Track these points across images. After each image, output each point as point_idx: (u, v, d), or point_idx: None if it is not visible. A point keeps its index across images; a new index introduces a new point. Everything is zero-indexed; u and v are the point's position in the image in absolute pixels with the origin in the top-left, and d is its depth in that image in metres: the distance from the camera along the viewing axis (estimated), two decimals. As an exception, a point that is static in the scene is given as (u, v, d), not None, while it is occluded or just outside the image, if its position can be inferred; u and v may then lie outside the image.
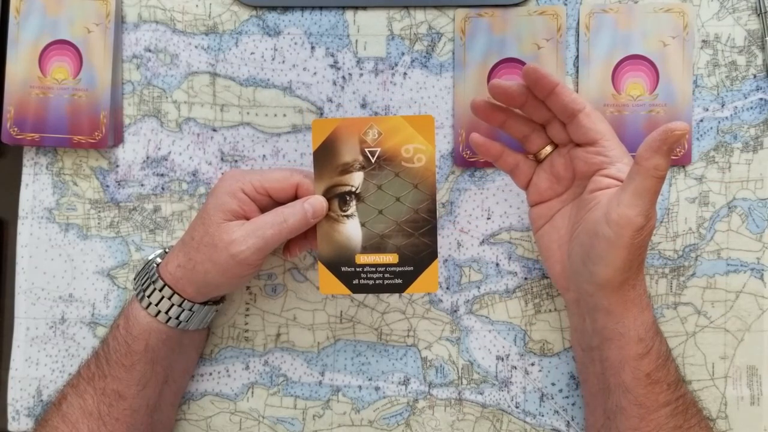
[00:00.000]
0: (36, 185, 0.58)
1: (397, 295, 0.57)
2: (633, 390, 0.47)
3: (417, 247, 0.49)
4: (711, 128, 0.56)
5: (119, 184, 0.57)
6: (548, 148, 0.51)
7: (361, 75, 0.57)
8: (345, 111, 0.57)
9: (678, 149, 0.55)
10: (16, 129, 0.56)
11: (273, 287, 0.57)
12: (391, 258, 0.49)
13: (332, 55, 0.57)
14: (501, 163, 0.52)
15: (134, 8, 0.57)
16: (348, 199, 0.49)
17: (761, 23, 0.56)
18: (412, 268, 0.49)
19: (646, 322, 0.47)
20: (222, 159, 0.57)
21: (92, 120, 0.56)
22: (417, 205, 0.49)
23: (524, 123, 0.51)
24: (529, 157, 0.52)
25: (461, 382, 0.56)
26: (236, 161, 0.57)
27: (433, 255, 0.49)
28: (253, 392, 0.57)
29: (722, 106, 0.56)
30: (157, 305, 0.50)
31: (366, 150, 0.49)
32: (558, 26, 0.55)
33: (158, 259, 0.52)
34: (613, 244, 0.44)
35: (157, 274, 0.51)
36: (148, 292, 0.50)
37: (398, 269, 0.49)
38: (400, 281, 0.49)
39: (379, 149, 0.48)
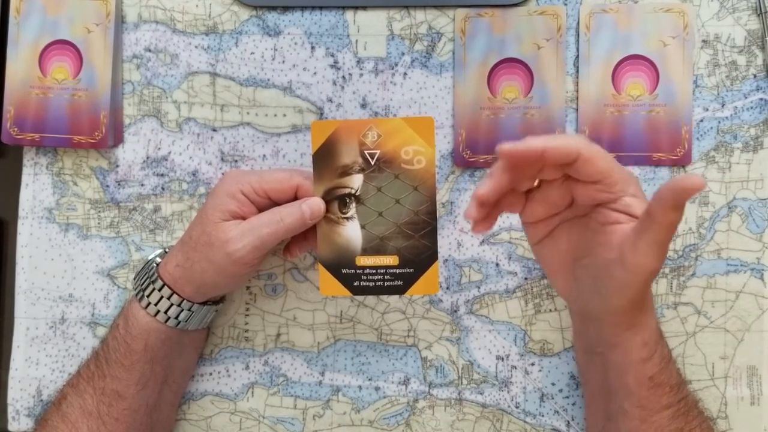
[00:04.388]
0: (36, 185, 0.58)
1: (397, 295, 0.57)
2: (636, 393, 0.46)
3: (417, 249, 0.49)
4: (711, 128, 0.56)
5: (119, 184, 0.57)
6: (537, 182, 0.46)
7: (361, 75, 0.57)
8: (345, 111, 0.57)
9: (678, 149, 0.55)
10: (16, 129, 0.56)
11: (273, 287, 0.57)
12: (391, 260, 0.49)
13: (332, 55, 0.57)
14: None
15: (134, 8, 0.57)
16: (348, 201, 0.49)
17: (761, 23, 0.56)
18: (412, 270, 0.49)
19: (650, 326, 0.46)
20: (222, 159, 0.57)
21: (92, 120, 0.56)
22: (417, 207, 0.49)
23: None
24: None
25: (461, 382, 0.57)
26: (236, 161, 0.57)
27: (433, 257, 0.49)
28: (253, 392, 0.57)
29: (722, 106, 0.56)
30: (156, 305, 0.50)
31: (365, 152, 0.48)
32: (558, 26, 0.55)
33: (158, 259, 0.52)
34: (628, 284, 0.43)
35: (156, 274, 0.51)
36: (147, 292, 0.50)
37: (398, 271, 0.49)
38: (400, 283, 0.49)
39: (378, 151, 0.48)
